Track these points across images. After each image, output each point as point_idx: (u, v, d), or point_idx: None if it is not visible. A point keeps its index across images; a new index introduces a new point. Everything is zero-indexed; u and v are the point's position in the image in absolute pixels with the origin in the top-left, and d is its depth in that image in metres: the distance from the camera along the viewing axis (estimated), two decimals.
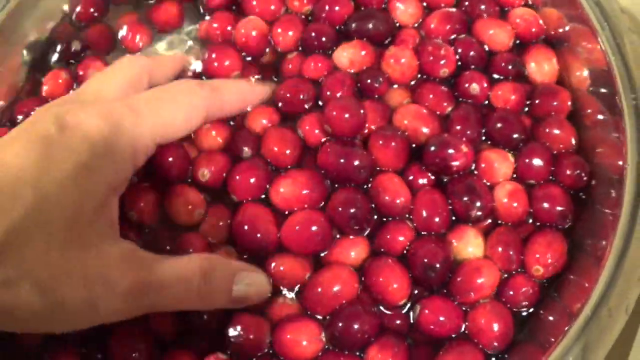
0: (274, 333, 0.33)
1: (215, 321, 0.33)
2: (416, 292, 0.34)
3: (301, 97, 0.39)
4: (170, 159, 0.36)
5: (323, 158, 0.36)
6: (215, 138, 0.38)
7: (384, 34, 0.41)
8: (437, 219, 0.35)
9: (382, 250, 0.35)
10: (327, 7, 0.42)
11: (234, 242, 0.35)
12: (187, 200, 0.36)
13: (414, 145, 0.37)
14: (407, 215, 0.35)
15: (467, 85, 0.39)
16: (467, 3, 0.42)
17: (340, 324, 0.32)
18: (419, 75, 0.40)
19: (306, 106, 0.39)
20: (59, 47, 0.45)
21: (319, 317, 0.33)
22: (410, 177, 0.36)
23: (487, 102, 0.39)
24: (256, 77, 0.41)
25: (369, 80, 0.39)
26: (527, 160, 0.37)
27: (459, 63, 0.40)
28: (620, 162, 0.34)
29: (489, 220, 0.36)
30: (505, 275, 0.35)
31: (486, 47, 0.41)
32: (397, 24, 0.42)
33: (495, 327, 0.33)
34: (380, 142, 0.36)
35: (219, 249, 0.35)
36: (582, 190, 0.36)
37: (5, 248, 0.26)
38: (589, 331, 0.30)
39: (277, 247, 0.35)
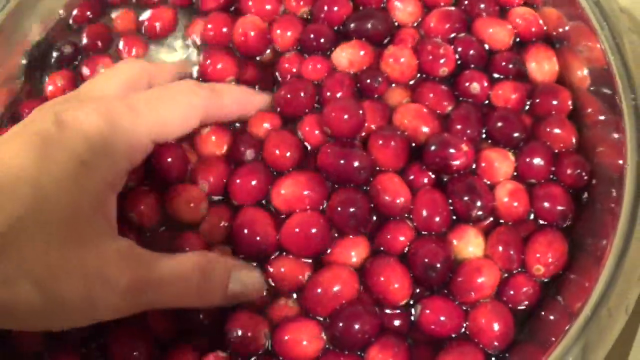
0: (274, 333, 0.33)
1: (214, 320, 0.33)
2: (417, 291, 0.34)
3: (302, 95, 0.39)
4: (169, 159, 0.35)
5: (323, 159, 0.36)
6: (215, 143, 0.38)
7: (383, 34, 0.41)
8: (437, 219, 0.35)
9: (382, 250, 0.35)
10: (325, 8, 0.42)
11: (233, 245, 0.35)
12: (189, 198, 0.36)
13: (414, 145, 0.37)
14: (407, 215, 0.35)
15: (467, 84, 0.39)
16: (466, 2, 0.42)
17: (340, 324, 0.32)
18: (419, 75, 0.40)
19: (306, 110, 0.39)
20: (59, 48, 0.45)
21: (320, 318, 0.33)
22: (411, 177, 0.36)
23: (487, 101, 0.39)
24: (257, 87, 0.41)
25: (368, 80, 0.39)
26: (527, 160, 0.37)
27: (459, 62, 0.40)
28: (621, 162, 0.34)
29: (490, 220, 0.36)
30: (506, 275, 0.35)
31: (486, 46, 0.41)
32: (396, 24, 0.42)
33: (496, 326, 0.33)
34: (380, 142, 0.36)
35: (214, 248, 0.35)
36: (583, 190, 0.36)
37: (5, 247, 0.26)
38: (589, 331, 0.30)
39: (276, 249, 0.35)
